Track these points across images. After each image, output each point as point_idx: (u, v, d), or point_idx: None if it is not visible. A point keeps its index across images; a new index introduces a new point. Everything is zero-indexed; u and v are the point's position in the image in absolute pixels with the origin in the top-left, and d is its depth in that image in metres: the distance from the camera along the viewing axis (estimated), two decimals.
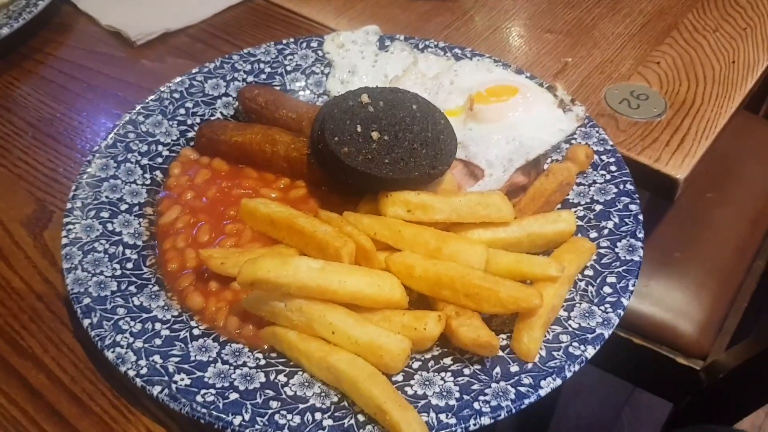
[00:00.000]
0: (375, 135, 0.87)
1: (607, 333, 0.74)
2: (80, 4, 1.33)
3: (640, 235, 0.83)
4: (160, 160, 0.97)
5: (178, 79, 1.07)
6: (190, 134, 1.02)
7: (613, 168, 0.91)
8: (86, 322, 0.75)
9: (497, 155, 0.92)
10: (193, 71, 1.08)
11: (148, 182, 0.94)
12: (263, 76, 1.10)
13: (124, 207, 0.89)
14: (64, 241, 0.83)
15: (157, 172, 0.96)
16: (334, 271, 0.74)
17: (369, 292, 0.74)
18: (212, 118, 1.05)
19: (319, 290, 0.73)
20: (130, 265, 0.82)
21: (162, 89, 1.05)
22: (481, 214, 0.82)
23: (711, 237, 1.47)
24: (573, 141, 0.96)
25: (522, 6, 1.36)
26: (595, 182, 0.90)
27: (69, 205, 0.87)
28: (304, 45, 1.15)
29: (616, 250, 0.82)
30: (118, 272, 0.81)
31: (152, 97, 1.04)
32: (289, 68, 1.12)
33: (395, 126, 0.89)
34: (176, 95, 1.05)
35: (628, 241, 0.82)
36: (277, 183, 0.95)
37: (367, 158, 0.85)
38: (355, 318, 0.73)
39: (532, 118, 0.97)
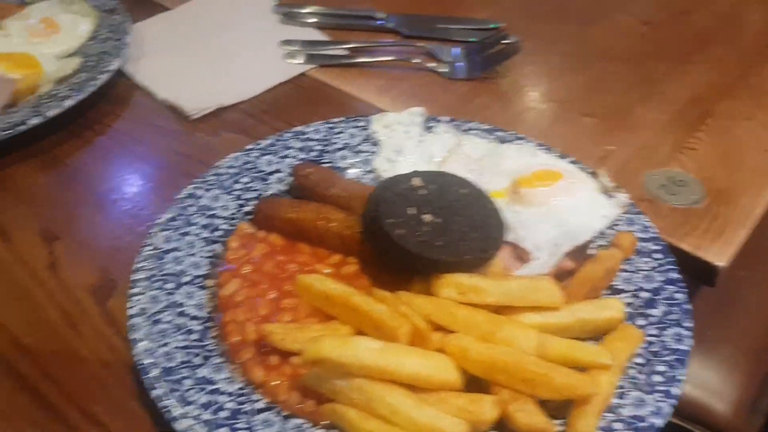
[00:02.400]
0: (427, 218, 0.91)
1: (659, 422, 0.76)
2: (137, 78, 1.40)
3: (687, 325, 0.85)
4: (219, 233, 1.02)
5: (234, 154, 1.12)
6: (246, 208, 1.06)
7: (657, 255, 0.95)
8: (154, 393, 0.78)
9: (544, 239, 0.96)
10: (248, 147, 1.14)
11: (209, 255, 0.98)
12: (314, 154, 1.15)
13: (186, 279, 0.93)
14: (131, 311, 0.87)
15: (217, 245, 1.00)
16: (392, 353, 0.77)
17: (426, 374, 0.77)
18: (266, 193, 1.09)
19: (378, 370, 0.76)
20: (194, 337, 0.86)
21: (219, 164, 1.10)
22: (532, 299, 0.85)
23: (744, 315, 1.49)
24: (617, 227, 1.00)
25: (558, 89, 1.42)
26: (640, 269, 0.93)
27: (134, 276, 0.91)
28: (352, 124, 1.20)
29: (664, 338, 0.84)
30: (184, 343, 0.84)
31: (210, 172, 1.09)
32: (338, 146, 1.17)
33: (446, 209, 0.93)
34: (233, 170, 1.10)
35: (675, 330, 0.85)
36: (330, 259, 0.99)
37: (420, 240, 0.89)
38: (413, 400, 0.75)
39: (576, 203, 1.01)
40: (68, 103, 1.23)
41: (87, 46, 1.41)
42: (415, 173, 0.98)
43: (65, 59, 1.38)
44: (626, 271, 0.94)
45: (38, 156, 1.21)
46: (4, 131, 1.16)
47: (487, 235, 0.92)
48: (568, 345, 0.80)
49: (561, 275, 0.94)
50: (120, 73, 1.39)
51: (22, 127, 1.17)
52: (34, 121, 1.19)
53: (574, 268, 0.94)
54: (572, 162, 1.10)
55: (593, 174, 1.06)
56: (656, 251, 0.95)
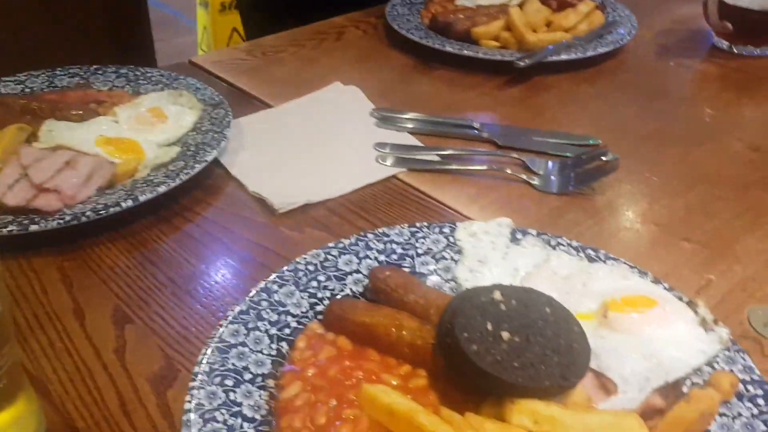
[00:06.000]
0: (505, 335, 0.85)
1: None
2: (232, 170, 1.43)
3: None
4: (287, 331, 0.99)
5: (314, 251, 1.10)
6: (319, 308, 1.03)
7: (760, 401, 0.85)
8: None
9: (633, 371, 0.88)
10: (329, 245, 1.12)
11: (274, 353, 0.95)
12: (394, 257, 1.12)
13: (248, 377, 0.90)
14: (186, 406, 0.83)
15: (284, 344, 0.97)
16: None
17: None
18: (341, 293, 1.06)
19: None
20: None
21: (298, 260, 1.08)
22: None
23: None
24: (715, 365, 0.90)
25: (657, 211, 1.35)
26: (740, 415, 0.83)
27: (196, 369, 0.88)
28: (437, 230, 1.17)
29: None
30: None
31: (288, 267, 1.07)
32: (420, 251, 1.14)
33: (527, 328, 0.87)
34: (311, 267, 1.08)
35: None
36: (399, 369, 0.94)
37: (495, 359, 0.83)
38: None
39: (671, 334, 0.93)
40: (162, 189, 1.26)
41: (188, 137, 1.46)
42: (497, 286, 0.93)
43: (166, 147, 1.42)
44: (724, 415, 0.84)
45: (127, 238, 1.23)
46: (97, 212, 1.19)
47: (570, 361, 0.85)
48: None
49: (649, 413, 0.85)
50: (218, 164, 1.43)
51: (116, 209, 1.20)
52: (127, 204, 1.22)
53: (665, 407, 0.85)
54: (668, 289, 1.02)
55: (691, 304, 0.98)
56: (760, 396, 0.85)
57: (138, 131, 1.45)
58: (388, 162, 1.48)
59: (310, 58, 2.00)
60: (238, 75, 1.85)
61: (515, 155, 1.50)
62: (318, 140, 1.57)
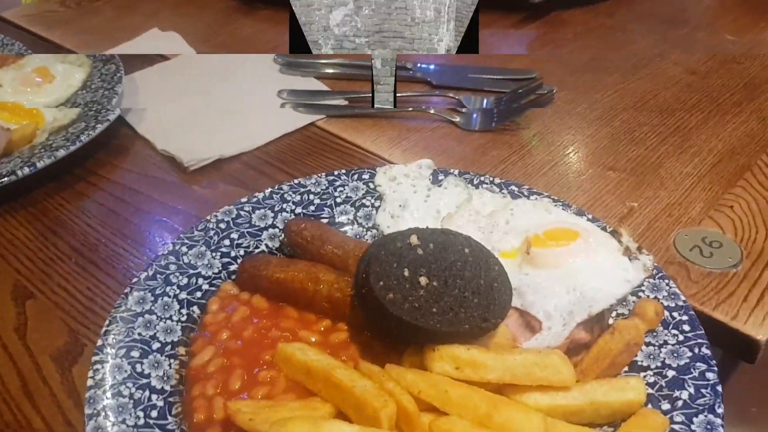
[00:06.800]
0: (423, 280, 0.81)
1: None
2: (139, 128, 1.35)
3: (720, 411, 0.73)
4: (199, 294, 0.93)
5: (226, 208, 1.04)
6: (233, 267, 0.98)
7: (686, 327, 0.83)
8: None
9: (556, 306, 0.85)
10: (242, 201, 1.06)
11: (185, 318, 0.89)
12: (312, 208, 1.07)
13: (156, 346, 0.84)
14: (90, 382, 0.78)
15: (195, 308, 0.91)
16: None
17: None
18: (257, 250, 1.01)
19: None
20: (154, 414, 0.76)
21: (208, 218, 1.02)
22: (538, 376, 0.74)
23: None
24: (640, 294, 0.88)
25: (583, 141, 1.32)
26: (666, 343, 0.82)
27: (100, 342, 0.82)
28: (356, 177, 1.12)
29: (693, 427, 0.72)
30: (142, 421, 0.75)
31: (198, 226, 1.01)
32: (338, 200, 1.09)
33: (445, 271, 0.83)
34: (222, 225, 1.02)
35: (705, 417, 0.72)
36: (318, 325, 0.89)
37: (413, 306, 0.79)
38: None
39: (594, 266, 0.90)
40: (61, 153, 1.18)
41: (79, 96, 1.37)
42: (413, 230, 0.88)
43: (66, 109, 1.33)
44: (650, 345, 0.82)
45: (26, 208, 1.15)
46: None
47: (490, 302, 0.81)
48: None
49: (574, 348, 0.83)
50: (123, 124, 1.35)
51: (10, 178, 1.12)
52: (24, 171, 1.13)
53: (590, 340, 0.83)
54: (591, 220, 1.00)
55: (614, 233, 0.96)
56: (685, 322, 0.83)
57: (23, 94, 1.36)
58: (304, 110, 1.41)
59: (128, 5, 1.89)
60: (50, 28, 1.75)
61: (451, 94, 1.45)
62: (225, 91, 1.50)
